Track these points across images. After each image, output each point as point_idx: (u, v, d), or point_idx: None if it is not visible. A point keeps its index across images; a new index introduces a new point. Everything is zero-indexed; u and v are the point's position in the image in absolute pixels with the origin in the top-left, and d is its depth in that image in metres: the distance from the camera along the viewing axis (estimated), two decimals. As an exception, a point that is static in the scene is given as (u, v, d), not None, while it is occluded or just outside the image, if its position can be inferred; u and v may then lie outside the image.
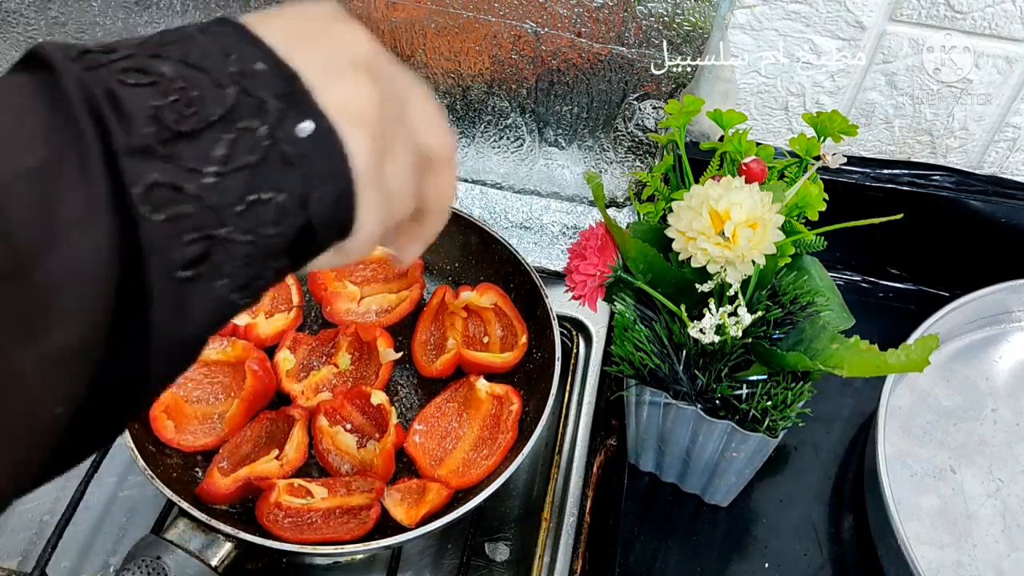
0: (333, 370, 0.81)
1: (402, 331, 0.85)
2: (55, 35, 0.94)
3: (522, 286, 0.83)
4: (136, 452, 0.69)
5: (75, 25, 0.92)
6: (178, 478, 0.72)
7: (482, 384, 0.78)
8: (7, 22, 0.94)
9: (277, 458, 0.74)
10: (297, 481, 0.72)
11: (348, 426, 0.77)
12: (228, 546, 0.66)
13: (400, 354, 0.82)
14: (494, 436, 0.76)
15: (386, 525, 0.70)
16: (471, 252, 0.88)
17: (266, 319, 0.83)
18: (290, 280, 0.86)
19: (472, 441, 0.76)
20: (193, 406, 0.77)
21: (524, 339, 0.81)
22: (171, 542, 0.64)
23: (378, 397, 0.77)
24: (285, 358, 0.81)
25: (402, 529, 0.68)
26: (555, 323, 0.78)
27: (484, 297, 0.83)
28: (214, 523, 0.65)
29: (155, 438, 0.73)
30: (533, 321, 0.82)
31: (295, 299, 0.85)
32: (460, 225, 0.87)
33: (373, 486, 0.72)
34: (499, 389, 0.78)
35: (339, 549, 0.67)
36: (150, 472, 0.67)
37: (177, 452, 0.74)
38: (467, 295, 0.83)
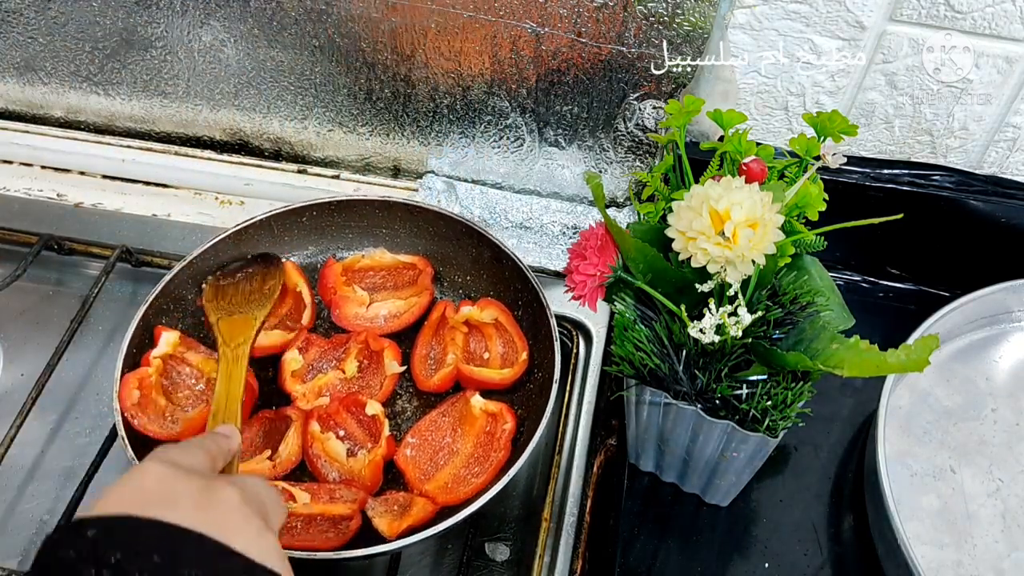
0: (339, 375, 0.81)
1: (403, 344, 0.85)
2: (55, 35, 0.94)
3: (530, 303, 0.82)
4: (126, 441, 0.69)
5: (75, 25, 0.92)
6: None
7: (477, 400, 0.77)
8: (7, 22, 0.94)
9: (270, 458, 0.73)
10: (281, 484, 0.71)
11: (341, 432, 0.77)
12: None
13: (404, 367, 0.82)
14: (487, 454, 0.75)
15: (368, 535, 0.70)
16: (482, 266, 0.88)
17: (265, 331, 0.82)
18: (307, 298, 0.85)
19: (465, 458, 0.76)
20: (164, 398, 0.76)
21: (524, 355, 0.81)
22: None
23: (373, 407, 0.77)
24: (293, 358, 0.81)
25: (381, 540, 0.67)
26: (557, 344, 0.77)
27: (485, 312, 0.83)
28: None
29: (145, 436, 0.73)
30: (538, 339, 0.81)
31: (306, 319, 0.84)
32: (473, 238, 0.87)
33: (357, 497, 0.71)
34: (493, 407, 0.77)
35: (315, 556, 0.65)
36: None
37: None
38: (467, 310, 0.83)
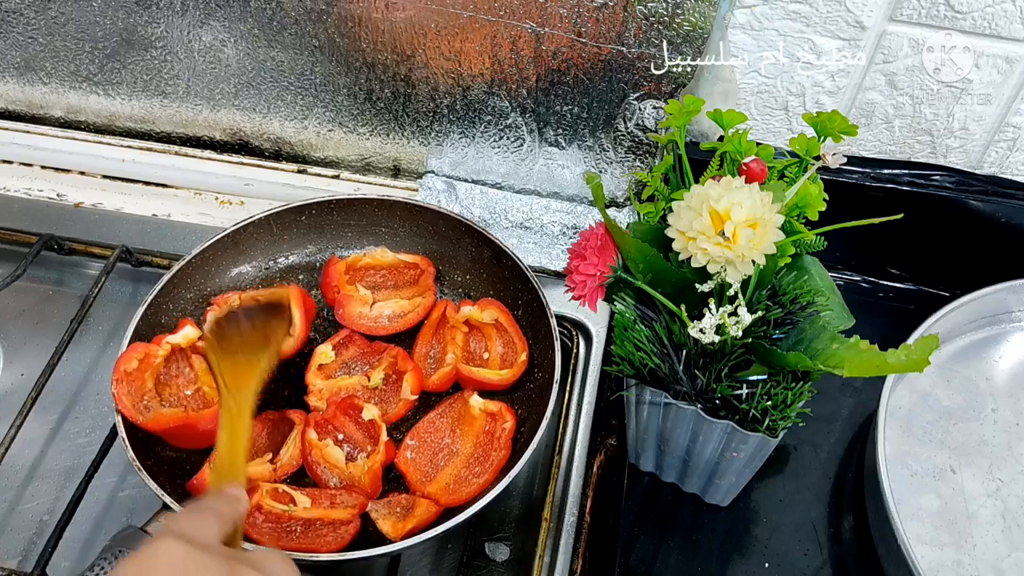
0: (364, 382, 0.80)
1: (404, 342, 0.85)
2: (55, 35, 0.94)
3: (530, 303, 0.82)
4: (126, 442, 0.69)
5: (75, 25, 0.92)
6: (168, 471, 0.72)
7: (476, 400, 0.77)
8: (7, 22, 0.94)
9: (271, 461, 0.73)
10: (282, 486, 0.71)
11: (340, 436, 0.76)
12: None
13: (416, 397, 0.80)
14: (487, 454, 0.75)
15: (368, 536, 0.70)
16: (482, 265, 0.88)
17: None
18: (296, 328, 0.82)
19: (465, 458, 0.75)
20: (152, 384, 0.76)
21: (524, 356, 0.81)
22: (149, 534, 0.63)
23: (370, 412, 0.76)
24: (325, 352, 0.81)
25: (384, 541, 0.67)
26: (557, 344, 0.77)
27: (485, 313, 0.83)
28: None
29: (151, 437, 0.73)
30: (538, 339, 0.81)
31: (287, 346, 0.82)
32: (473, 238, 0.87)
33: (356, 502, 0.71)
34: (493, 406, 0.77)
35: (315, 557, 0.65)
36: (138, 464, 0.67)
37: (173, 448, 0.74)
38: (468, 310, 0.82)
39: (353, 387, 0.80)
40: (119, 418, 0.71)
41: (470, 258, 0.88)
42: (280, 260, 0.89)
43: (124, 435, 0.70)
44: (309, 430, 0.75)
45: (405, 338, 0.85)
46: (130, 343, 0.75)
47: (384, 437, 0.75)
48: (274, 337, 0.72)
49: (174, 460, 0.74)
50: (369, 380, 0.80)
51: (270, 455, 0.74)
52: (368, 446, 0.76)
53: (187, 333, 0.78)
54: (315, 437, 0.75)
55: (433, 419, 0.78)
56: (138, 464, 0.67)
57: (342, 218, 0.90)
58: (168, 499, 0.66)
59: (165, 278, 0.80)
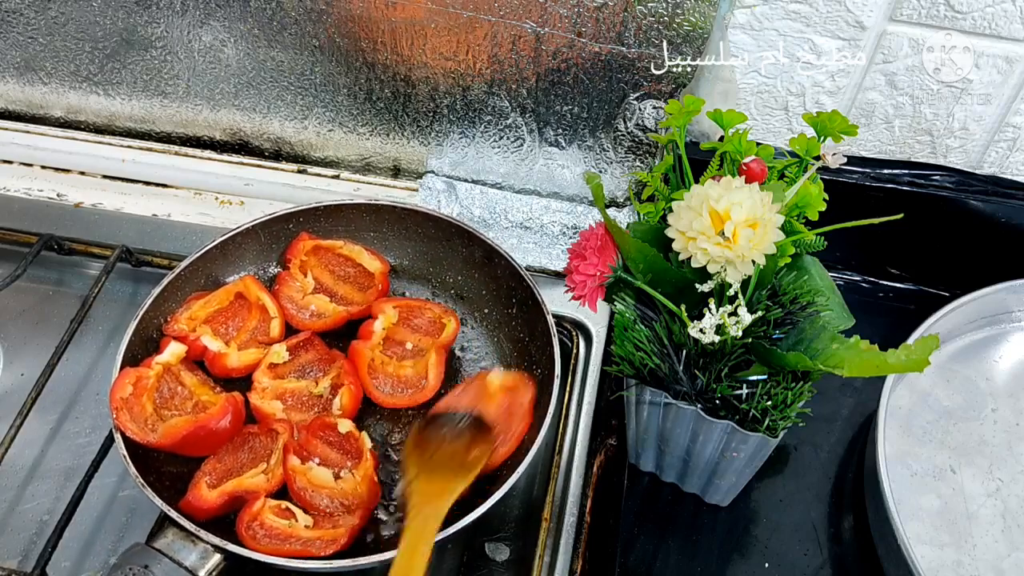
0: (311, 388, 0.80)
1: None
2: (55, 35, 0.94)
3: (524, 301, 0.82)
4: (128, 459, 0.68)
5: (75, 25, 0.92)
6: (171, 486, 0.71)
7: (494, 376, 0.76)
8: (7, 22, 0.94)
9: (264, 472, 0.73)
10: (285, 503, 0.71)
11: (316, 461, 0.76)
12: (217, 557, 0.65)
13: (349, 427, 0.77)
14: (509, 426, 0.73)
15: (368, 546, 0.70)
16: (474, 266, 0.87)
17: (238, 351, 0.81)
18: (273, 310, 0.84)
19: None
20: (152, 406, 0.76)
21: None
22: (159, 551, 0.64)
23: (345, 425, 0.76)
24: (278, 351, 0.81)
25: (384, 549, 0.67)
26: (555, 341, 0.77)
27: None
28: (201, 533, 0.65)
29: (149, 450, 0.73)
30: (535, 337, 0.81)
31: (275, 331, 0.83)
32: (463, 238, 0.87)
33: (357, 518, 0.71)
34: (509, 381, 0.75)
35: (328, 565, 0.65)
36: (141, 480, 0.67)
37: (173, 462, 0.74)
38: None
39: (299, 391, 0.80)
40: (118, 436, 0.70)
41: (461, 259, 0.88)
42: (270, 269, 0.89)
43: (124, 452, 0.69)
44: (291, 457, 0.74)
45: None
46: (123, 360, 0.75)
47: (368, 444, 0.74)
48: (474, 463, 0.70)
49: (175, 475, 0.73)
50: (316, 386, 0.80)
51: (264, 465, 0.74)
52: (347, 462, 0.75)
53: (174, 351, 0.78)
54: (298, 463, 0.74)
55: (450, 402, 0.76)
56: (141, 481, 0.67)
57: (331, 224, 0.89)
58: (173, 513, 0.65)
59: (166, 280, 0.80)
